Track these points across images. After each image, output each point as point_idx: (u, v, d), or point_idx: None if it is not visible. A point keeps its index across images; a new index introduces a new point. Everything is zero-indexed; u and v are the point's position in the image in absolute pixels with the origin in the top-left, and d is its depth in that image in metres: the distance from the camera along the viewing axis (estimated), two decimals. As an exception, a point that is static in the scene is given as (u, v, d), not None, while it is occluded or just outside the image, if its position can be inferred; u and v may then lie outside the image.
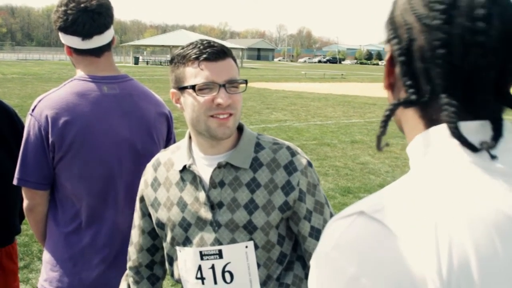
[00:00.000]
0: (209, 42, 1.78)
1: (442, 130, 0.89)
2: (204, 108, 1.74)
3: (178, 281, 1.97)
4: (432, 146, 0.89)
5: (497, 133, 0.88)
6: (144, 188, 2.02)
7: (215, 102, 1.73)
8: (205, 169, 1.85)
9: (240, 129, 1.91)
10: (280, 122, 15.99)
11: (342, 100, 24.24)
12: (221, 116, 1.74)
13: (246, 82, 1.82)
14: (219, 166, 1.82)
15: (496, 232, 0.79)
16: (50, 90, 2.45)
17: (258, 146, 1.87)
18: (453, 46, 0.85)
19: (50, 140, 2.32)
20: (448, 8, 0.86)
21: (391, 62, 0.95)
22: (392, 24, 0.95)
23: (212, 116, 1.74)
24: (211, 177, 1.83)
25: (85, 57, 2.44)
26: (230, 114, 1.76)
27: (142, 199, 2.03)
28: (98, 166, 2.38)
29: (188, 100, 1.77)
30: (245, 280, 1.83)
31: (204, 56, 1.73)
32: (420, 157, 0.91)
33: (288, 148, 1.88)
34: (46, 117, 2.32)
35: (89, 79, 2.41)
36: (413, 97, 0.90)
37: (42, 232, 2.54)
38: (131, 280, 2.10)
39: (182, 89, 1.79)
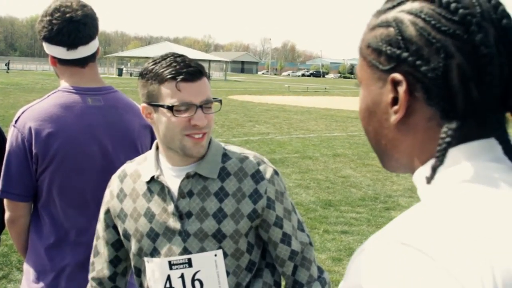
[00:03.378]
0: (184, 60, 1.78)
1: (474, 148, 0.86)
2: (180, 128, 1.76)
3: None
4: (467, 166, 0.85)
5: None
6: (109, 199, 2.01)
7: (191, 123, 1.75)
8: (173, 180, 1.87)
9: None
10: (263, 135, 16.02)
11: (325, 114, 24.34)
12: (197, 136, 1.78)
13: (220, 101, 1.86)
14: (188, 177, 1.84)
15: None
16: (34, 101, 2.44)
17: (225, 156, 1.91)
18: (495, 59, 0.83)
19: (34, 152, 2.32)
20: (481, 20, 0.83)
21: (409, 88, 0.87)
22: (408, 44, 0.86)
23: (187, 135, 1.77)
24: (180, 187, 1.85)
25: (69, 68, 2.44)
26: (204, 134, 1.79)
27: (108, 211, 2.02)
28: (81, 178, 2.38)
29: (163, 119, 1.78)
30: None
31: (181, 76, 1.74)
32: (452, 176, 0.85)
33: (255, 157, 1.93)
34: (30, 129, 2.31)
35: (73, 91, 2.41)
36: (457, 121, 0.84)
37: (23, 244, 2.52)
38: None
39: (156, 106, 1.79)
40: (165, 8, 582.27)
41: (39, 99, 2.43)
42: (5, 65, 63.90)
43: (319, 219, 7.51)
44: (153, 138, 2.59)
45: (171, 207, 1.86)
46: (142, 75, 1.83)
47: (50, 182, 2.36)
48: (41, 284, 2.43)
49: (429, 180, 0.86)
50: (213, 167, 1.87)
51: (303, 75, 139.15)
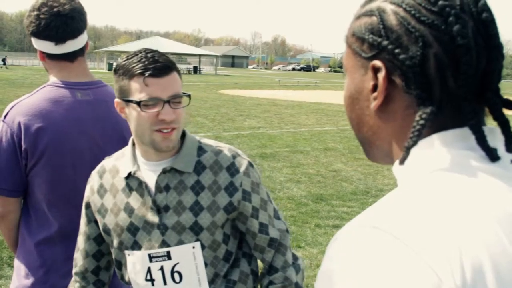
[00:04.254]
0: (153, 56, 1.81)
1: (448, 136, 0.88)
2: (149, 123, 1.79)
3: (128, 283, 2.03)
4: (441, 154, 0.87)
5: (510, 138, 0.89)
6: (90, 194, 2.06)
7: (159, 118, 1.78)
8: (150, 175, 1.92)
9: (182, 134, 1.96)
10: (254, 129, 16.02)
11: (316, 108, 24.37)
12: (165, 131, 1.81)
13: (189, 96, 1.88)
14: (164, 171, 1.88)
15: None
16: (23, 96, 2.43)
17: (201, 150, 1.95)
18: (472, 51, 0.84)
19: (23, 147, 2.31)
20: (459, 12, 0.85)
21: (389, 76, 0.90)
22: (388, 33, 0.89)
23: (156, 130, 1.80)
24: (157, 182, 1.89)
25: (58, 62, 2.44)
26: (173, 128, 1.82)
27: (88, 206, 2.07)
28: (70, 173, 2.38)
29: (133, 113, 1.82)
30: (193, 279, 1.90)
31: (149, 72, 1.76)
32: (427, 164, 0.87)
33: (230, 150, 1.97)
34: (19, 124, 2.30)
35: (63, 85, 2.41)
36: (432, 107, 0.86)
37: (14, 239, 2.52)
38: (77, 285, 2.13)
39: (126, 101, 1.82)
40: (155, 3, 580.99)
41: (28, 94, 2.43)
42: (2, 60, 62.52)
43: (310, 214, 7.52)
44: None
45: (149, 202, 1.90)
46: (115, 70, 1.87)
47: (40, 177, 2.36)
48: (32, 279, 2.43)
49: (402, 160, 0.88)
50: (189, 161, 1.91)
51: (293, 69, 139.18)
